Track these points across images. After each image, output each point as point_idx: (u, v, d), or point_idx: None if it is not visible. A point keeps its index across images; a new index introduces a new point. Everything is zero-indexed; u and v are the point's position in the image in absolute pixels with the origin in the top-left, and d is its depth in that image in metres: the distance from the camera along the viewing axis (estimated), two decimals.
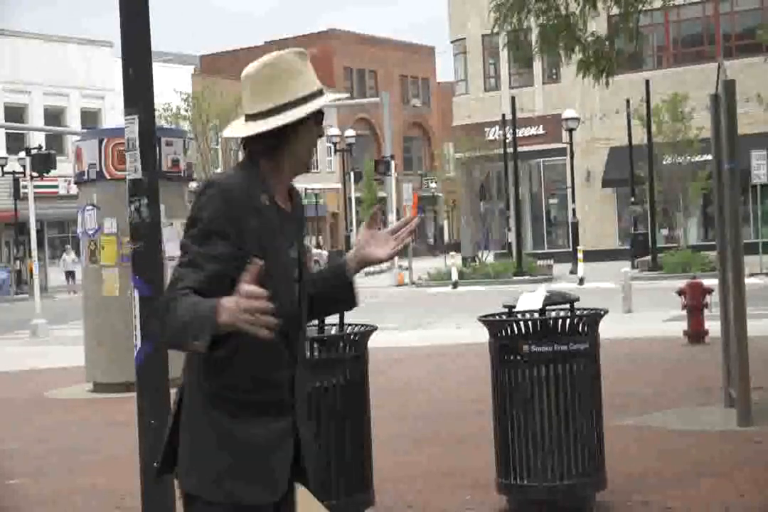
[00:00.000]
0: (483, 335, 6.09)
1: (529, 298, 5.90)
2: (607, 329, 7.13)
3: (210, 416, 2.87)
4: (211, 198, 2.80)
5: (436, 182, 59.19)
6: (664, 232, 38.70)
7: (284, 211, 2.94)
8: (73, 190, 16.60)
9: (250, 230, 2.80)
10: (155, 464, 3.14)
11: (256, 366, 2.87)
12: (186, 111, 21.61)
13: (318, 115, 2.97)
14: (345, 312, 4.86)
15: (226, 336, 2.61)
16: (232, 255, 2.75)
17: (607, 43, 11.69)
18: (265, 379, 2.88)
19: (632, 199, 35.23)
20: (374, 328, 5.97)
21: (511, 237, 36.58)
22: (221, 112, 21.62)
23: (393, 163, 37.34)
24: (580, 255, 29.62)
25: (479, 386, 8.01)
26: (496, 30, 11.75)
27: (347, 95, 3.18)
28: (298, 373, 2.95)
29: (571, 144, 34.67)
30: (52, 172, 29.04)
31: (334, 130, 49.25)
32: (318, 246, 53.81)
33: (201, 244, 2.77)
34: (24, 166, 32.21)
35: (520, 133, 37.89)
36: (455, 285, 30.05)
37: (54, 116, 45.53)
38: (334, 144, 50.97)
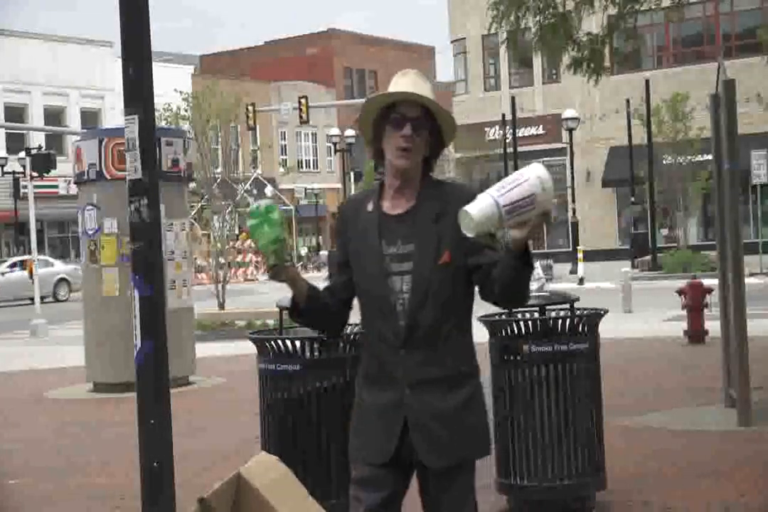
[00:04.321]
0: (483, 335, 6.09)
1: None
2: (607, 329, 7.12)
3: (356, 386, 3.53)
4: None
5: None
6: (664, 232, 38.71)
7: (386, 214, 3.38)
8: (73, 190, 16.61)
9: (351, 234, 3.43)
10: (155, 464, 3.17)
11: (366, 341, 3.48)
12: (186, 111, 21.55)
13: (395, 120, 3.35)
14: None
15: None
16: (338, 260, 3.50)
17: (601, 42, 11.69)
18: (371, 353, 3.42)
19: (632, 199, 35.24)
20: None
21: None
22: (221, 112, 21.56)
23: None
24: (580, 255, 29.63)
25: None
26: (493, 28, 11.76)
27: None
28: (408, 355, 3.31)
29: (571, 144, 34.68)
30: (52, 172, 29.04)
31: (334, 130, 49.22)
32: (318, 246, 53.79)
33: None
34: (24, 166, 32.21)
35: (520, 133, 37.92)
36: None
37: (54, 116, 45.54)
38: (334, 144, 50.96)
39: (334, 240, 3.54)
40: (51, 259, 37.39)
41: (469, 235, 3.03)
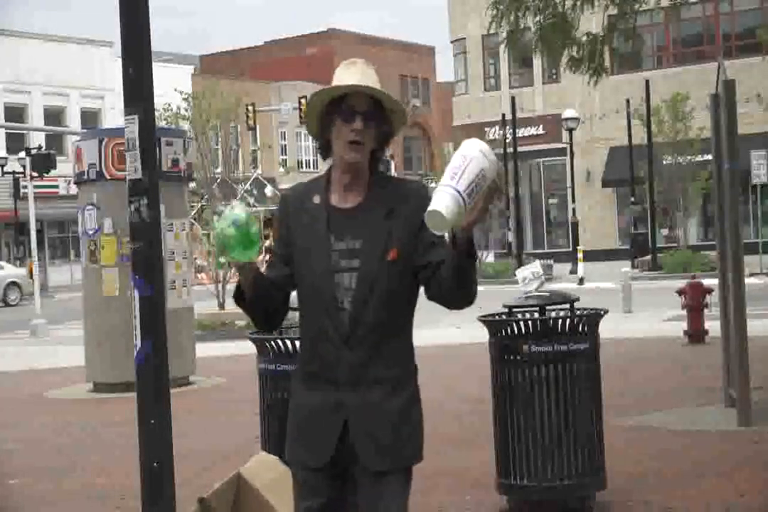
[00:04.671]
0: (483, 335, 6.10)
1: (526, 270, 5.94)
2: (607, 329, 7.12)
3: (292, 386, 3.39)
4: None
5: (436, 182, 59.23)
6: (664, 232, 38.70)
7: (335, 207, 3.24)
8: (73, 190, 16.62)
9: (295, 226, 3.28)
10: (155, 464, 3.18)
11: (305, 339, 3.32)
12: (186, 111, 21.61)
13: (345, 113, 3.21)
14: None
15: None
16: (280, 251, 3.33)
17: (600, 42, 11.70)
18: (311, 352, 3.26)
19: (632, 199, 35.23)
20: None
21: (511, 237, 36.59)
22: (221, 112, 21.61)
23: (393, 163, 37.42)
24: (580, 255, 29.64)
25: (479, 386, 8.01)
26: (493, 28, 11.77)
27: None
28: (350, 354, 3.18)
29: (571, 144, 34.67)
30: (52, 172, 29.05)
31: None
32: None
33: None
34: (24, 166, 32.22)
35: (520, 133, 37.89)
36: None
37: (54, 116, 45.52)
38: None
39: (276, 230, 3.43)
40: (1, 263, 36.69)
41: (441, 233, 2.95)
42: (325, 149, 3.29)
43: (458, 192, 2.90)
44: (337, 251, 3.21)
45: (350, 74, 3.24)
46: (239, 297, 3.30)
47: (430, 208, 2.91)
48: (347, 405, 3.18)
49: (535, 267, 6.00)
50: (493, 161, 2.97)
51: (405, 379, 3.26)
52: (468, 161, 2.93)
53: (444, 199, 2.90)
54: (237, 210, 3.17)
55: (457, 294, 3.14)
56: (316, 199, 3.26)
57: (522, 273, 5.96)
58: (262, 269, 3.30)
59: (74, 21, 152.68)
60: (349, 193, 3.25)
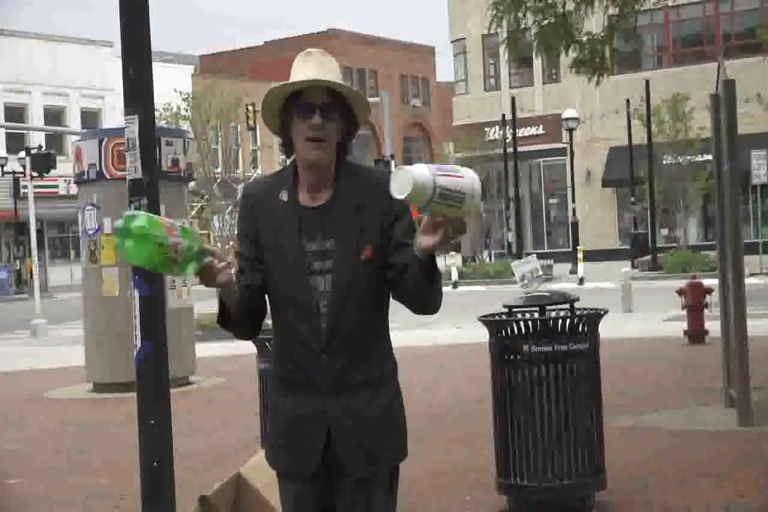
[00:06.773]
0: (483, 335, 6.09)
1: (524, 267, 5.94)
2: (607, 329, 7.12)
3: (270, 390, 3.30)
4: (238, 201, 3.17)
5: None
6: (664, 232, 38.72)
7: (303, 206, 3.09)
8: (73, 190, 16.63)
9: (264, 226, 3.11)
10: (155, 464, 3.18)
11: (280, 344, 3.16)
12: (186, 111, 21.67)
13: (302, 108, 3.07)
14: None
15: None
16: (249, 253, 3.14)
17: (601, 42, 11.70)
18: (288, 358, 3.12)
19: (632, 199, 35.24)
20: None
21: (511, 237, 36.59)
22: (221, 112, 21.66)
23: (393, 163, 37.37)
24: (580, 255, 29.65)
25: (479, 386, 8.01)
26: (493, 28, 11.77)
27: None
28: (330, 360, 3.05)
29: (571, 144, 34.67)
30: (52, 172, 29.07)
31: None
32: None
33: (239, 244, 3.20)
34: (24, 166, 32.24)
35: (520, 133, 37.91)
36: (455, 285, 30.05)
37: (54, 116, 45.54)
38: None
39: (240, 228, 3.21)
40: None
41: (398, 196, 2.70)
42: (288, 146, 3.14)
43: (435, 181, 2.70)
44: (309, 253, 3.06)
45: (306, 67, 3.14)
46: (223, 318, 3.11)
47: (406, 167, 2.70)
48: (330, 412, 3.06)
49: (533, 264, 6.00)
50: (477, 199, 2.77)
51: (386, 378, 3.14)
52: (461, 175, 2.76)
53: (422, 171, 2.69)
54: (139, 220, 2.82)
55: (417, 304, 3.04)
56: (284, 196, 3.10)
57: (519, 269, 5.95)
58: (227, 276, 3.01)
59: (89, 21, 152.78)
60: (317, 190, 3.09)
